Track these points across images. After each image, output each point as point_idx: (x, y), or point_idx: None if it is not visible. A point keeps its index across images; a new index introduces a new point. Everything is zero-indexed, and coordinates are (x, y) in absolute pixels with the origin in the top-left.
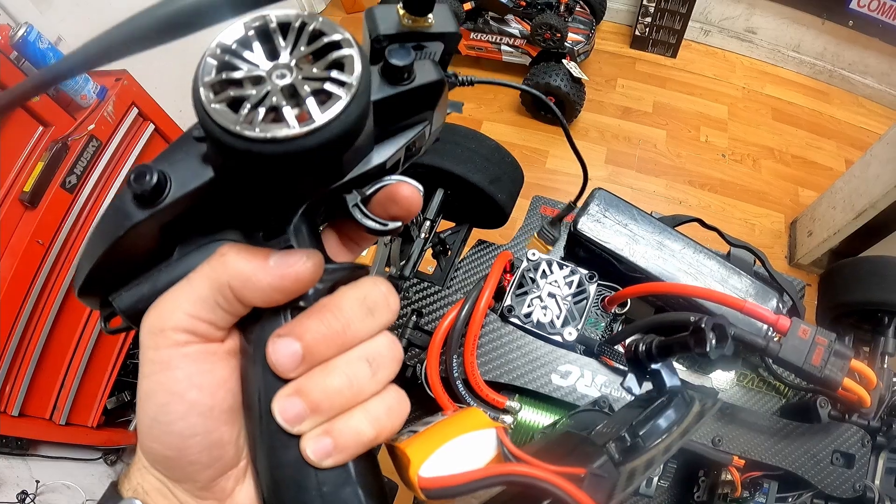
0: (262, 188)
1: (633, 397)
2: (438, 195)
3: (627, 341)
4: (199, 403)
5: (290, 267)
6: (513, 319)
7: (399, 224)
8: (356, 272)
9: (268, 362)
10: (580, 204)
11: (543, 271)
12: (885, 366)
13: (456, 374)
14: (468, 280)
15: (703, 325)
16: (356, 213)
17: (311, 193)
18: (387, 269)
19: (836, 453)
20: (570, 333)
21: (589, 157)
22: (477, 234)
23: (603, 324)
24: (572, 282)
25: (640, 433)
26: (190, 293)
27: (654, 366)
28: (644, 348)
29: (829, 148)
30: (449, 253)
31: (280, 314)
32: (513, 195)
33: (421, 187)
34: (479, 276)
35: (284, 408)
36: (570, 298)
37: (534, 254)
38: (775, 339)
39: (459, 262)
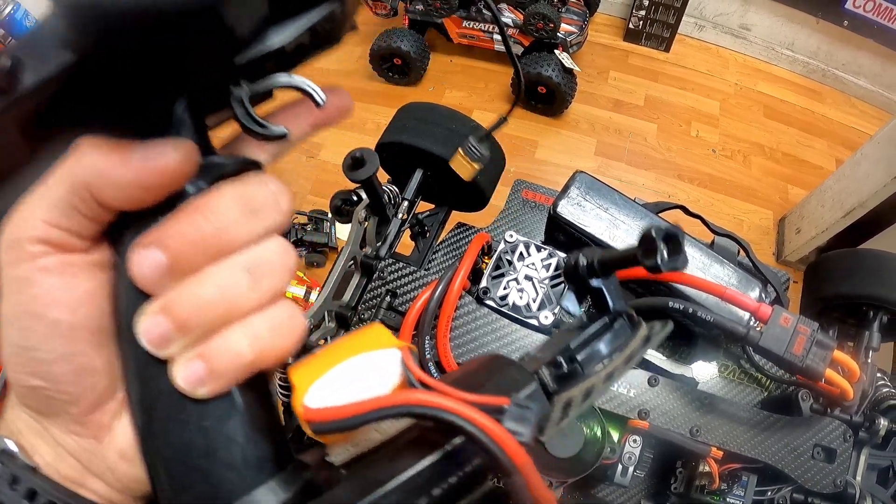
0: (127, 65)
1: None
2: (417, 176)
3: (567, 256)
4: (61, 323)
5: (154, 159)
6: (488, 302)
7: (284, 131)
8: (245, 167)
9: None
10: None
11: (521, 253)
12: (870, 361)
13: (428, 356)
14: (446, 262)
15: (652, 234)
16: (236, 108)
17: (192, 75)
18: (362, 250)
19: (817, 447)
20: (546, 317)
21: (578, 148)
22: (456, 217)
23: (582, 310)
24: (550, 265)
25: (578, 358)
26: (45, 197)
27: (595, 282)
28: (585, 263)
29: (819, 147)
30: (427, 235)
31: (150, 218)
32: (493, 178)
33: (323, 95)
34: (458, 258)
35: (148, 328)
36: (547, 282)
37: (511, 235)
38: (757, 327)
39: (438, 245)
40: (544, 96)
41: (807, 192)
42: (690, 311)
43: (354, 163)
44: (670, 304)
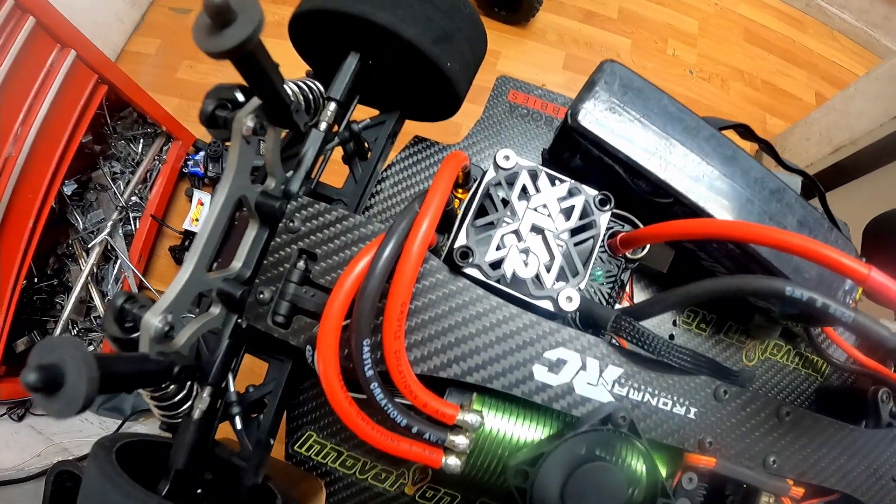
0: None
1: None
2: (351, 62)
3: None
4: None
5: None
6: (470, 270)
7: None
8: None
9: None
10: None
11: (524, 187)
12: None
13: (367, 366)
14: (397, 200)
15: None
16: None
17: None
18: (256, 186)
19: None
20: (570, 299)
21: (546, 61)
22: (411, 129)
23: (601, 272)
24: (572, 208)
25: None
26: None
27: None
28: None
29: (800, 78)
30: (369, 155)
31: None
32: (468, 66)
33: None
34: (415, 193)
35: None
36: (566, 237)
37: (507, 158)
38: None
39: (384, 172)
40: (509, 2)
41: (785, 123)
42: (819, 304)
43: (214, 20)
44: (787, 290)
